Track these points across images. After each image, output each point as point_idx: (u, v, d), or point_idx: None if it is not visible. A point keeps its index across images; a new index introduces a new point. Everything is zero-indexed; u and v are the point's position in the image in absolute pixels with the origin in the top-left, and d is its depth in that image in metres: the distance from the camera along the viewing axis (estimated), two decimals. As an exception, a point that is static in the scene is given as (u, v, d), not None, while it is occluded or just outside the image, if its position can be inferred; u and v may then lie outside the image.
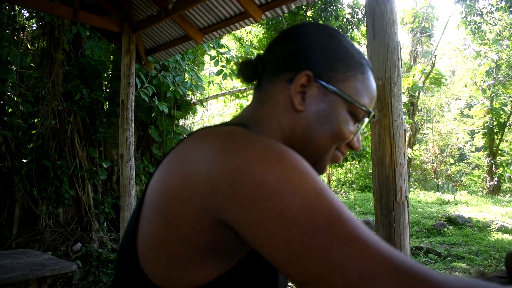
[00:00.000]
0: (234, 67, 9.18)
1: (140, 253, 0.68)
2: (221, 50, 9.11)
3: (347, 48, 0.83)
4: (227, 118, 21.24)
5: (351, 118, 0.82)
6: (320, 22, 10.90)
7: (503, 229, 10.06)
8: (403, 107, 2.70)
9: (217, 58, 8.75)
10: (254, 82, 0.89)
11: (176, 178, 0.65)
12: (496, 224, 10.47)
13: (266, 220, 0.56)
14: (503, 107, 20.81)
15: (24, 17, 7.71)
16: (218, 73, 9.10)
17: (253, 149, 0.60)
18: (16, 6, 6.99)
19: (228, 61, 9.00)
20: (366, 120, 0.84)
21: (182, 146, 0.70)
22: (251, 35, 14.26)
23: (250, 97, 14.53)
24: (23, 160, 6.79)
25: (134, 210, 0.74)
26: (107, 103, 8.08)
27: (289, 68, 0.81)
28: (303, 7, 12.67)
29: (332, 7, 12.37)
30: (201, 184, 0.61)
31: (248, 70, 0.87)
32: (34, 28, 7.86)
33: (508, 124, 20.81)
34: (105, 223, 7.31)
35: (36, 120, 6.99)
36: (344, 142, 0.82)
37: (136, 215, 0.72)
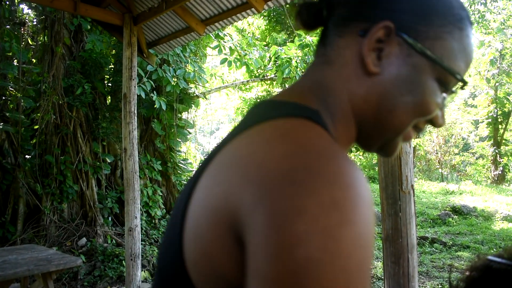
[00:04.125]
0: (239, 56, 9.06)
1: (192, 272, 0.54)
2: (224, 40, 8.98)
3: None
4: (230, 111, 21.18)
5: (438, 88, 0.63)
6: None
7: (508, 218, 10.05)
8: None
9: (219, 47, 8.64)
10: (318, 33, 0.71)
11: (220, 192, 0.50)
12: (501, 213, 10.46)
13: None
14: (508, 97, 20.68)
15: (24, 11, 7.69)
16: (222, 61, 8.99)
17: (315, 193, 0.42)
18: (16, 0, 6.96)
19: (231, 50, 8.89)
20: (457, 91, 0.67)
21: (233, 146, 0.54)
22: (253, 26, 14.19)
23: (253, 90, 14.50)
24: (26, 156, 6.79)
25: (174, 214, 0.59)
26: (109, 97, 8.06)
27: (364, 16, 0.62)
28: (305, -2, 12.60)
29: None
30: (242, 208, 0.46)
31: (308, 14, 0.69)
32: (35, 22, 7.83)
33: (512, 113, 20.72)
34: (109, 218, 7.32)
35: (38, 115, 6.98)
36: (427, 118, 0.65)
37: (180, 223, 0.56)
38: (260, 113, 0.59)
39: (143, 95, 7.20)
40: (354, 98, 0.63)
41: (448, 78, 0.63)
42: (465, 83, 0.64)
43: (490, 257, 0.73)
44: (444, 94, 0.65)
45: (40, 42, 7.50)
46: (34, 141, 6.97)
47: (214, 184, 0.52)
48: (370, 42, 0.60)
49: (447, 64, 0.61)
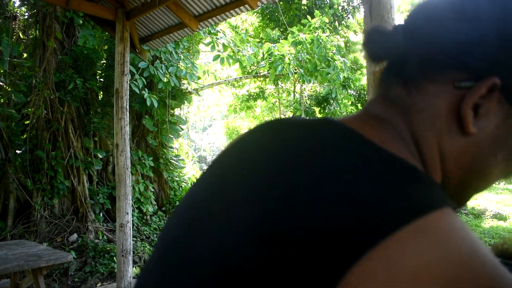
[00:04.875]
0: (232, 52, 8.98)
1: None
2: (217, 36, 8.91)
3: None
4: (223, 108, 21.11)
5: None
6: (316, 10, 10.82)
7: (498, 216, 10.15)
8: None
9: (212, 43, 8.58)
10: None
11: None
12: (491, 211, 10.57)
13: None
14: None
15: (15, 5, 7.60)
16: (215, 58, 8.94)
17: None
18: (7, -6, 6.89)
19: (225, 46, 8.84)
20: None
21: (398, 251, 0.37)
22: (247, 23, 14.16)
23: (246, 87, 14.47)
24: (17, 151, 6.73)
25: None
26: (101, 92, 8.01)
27: (465, 65, 0.52)
28: (299, -5, 12.61)
29: (327, -5, 12.33)
30: None
31: (381, 45, 0.59)
32: (26, 16, 7.75)
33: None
34: (100, 214, 7.29)
35: (29, 110, 6.93)
36: None
37: None
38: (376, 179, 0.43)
39: (137, 91, 7.16)
40: (445, 157, 0.54)
41: None
42: None
43: None
44: None
45: (31, 36, 7.43)
46: (25, 136, 6.91)
47: None
48: (472, 99, 0.51)
49: None
